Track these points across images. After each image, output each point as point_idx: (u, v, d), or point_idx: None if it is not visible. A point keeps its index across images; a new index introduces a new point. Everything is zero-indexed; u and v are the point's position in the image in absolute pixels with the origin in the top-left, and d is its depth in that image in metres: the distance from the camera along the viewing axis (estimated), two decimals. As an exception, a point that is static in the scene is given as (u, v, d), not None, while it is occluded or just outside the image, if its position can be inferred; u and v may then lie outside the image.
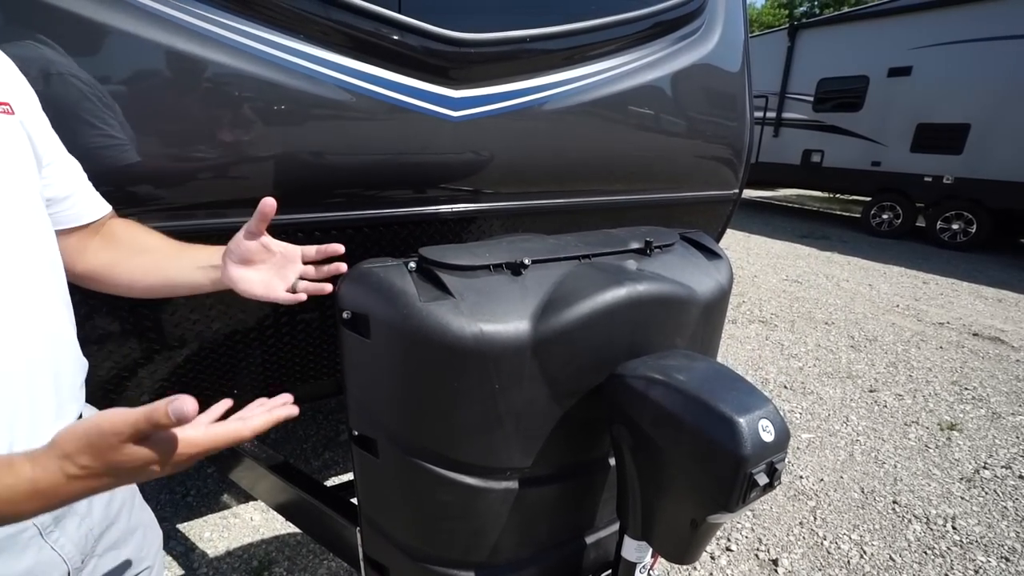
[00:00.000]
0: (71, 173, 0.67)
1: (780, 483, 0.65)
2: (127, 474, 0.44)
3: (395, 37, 1.14)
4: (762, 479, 0.60)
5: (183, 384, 1.23)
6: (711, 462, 0.62)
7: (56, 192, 0.63)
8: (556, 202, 1.55)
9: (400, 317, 0.69)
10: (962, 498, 2.17)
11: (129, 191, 0.92)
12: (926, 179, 6.90)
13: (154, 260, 0.74)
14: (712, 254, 1.04)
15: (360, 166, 1.18)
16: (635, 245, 0.98)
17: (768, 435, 0.61)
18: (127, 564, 0.70)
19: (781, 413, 0.62)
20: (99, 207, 0.71)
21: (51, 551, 0.57)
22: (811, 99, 8.10)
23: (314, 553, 1.83)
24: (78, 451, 0.42)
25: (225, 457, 1.56)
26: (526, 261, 0.81)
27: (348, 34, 1.09)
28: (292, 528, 1.94)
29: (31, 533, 0.55)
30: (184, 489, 2.12)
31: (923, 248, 6.93)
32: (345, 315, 0.76)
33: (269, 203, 0.67)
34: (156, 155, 0.93)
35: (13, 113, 0.55)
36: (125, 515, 0.70)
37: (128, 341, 1.09)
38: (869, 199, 7.88)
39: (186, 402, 0.41)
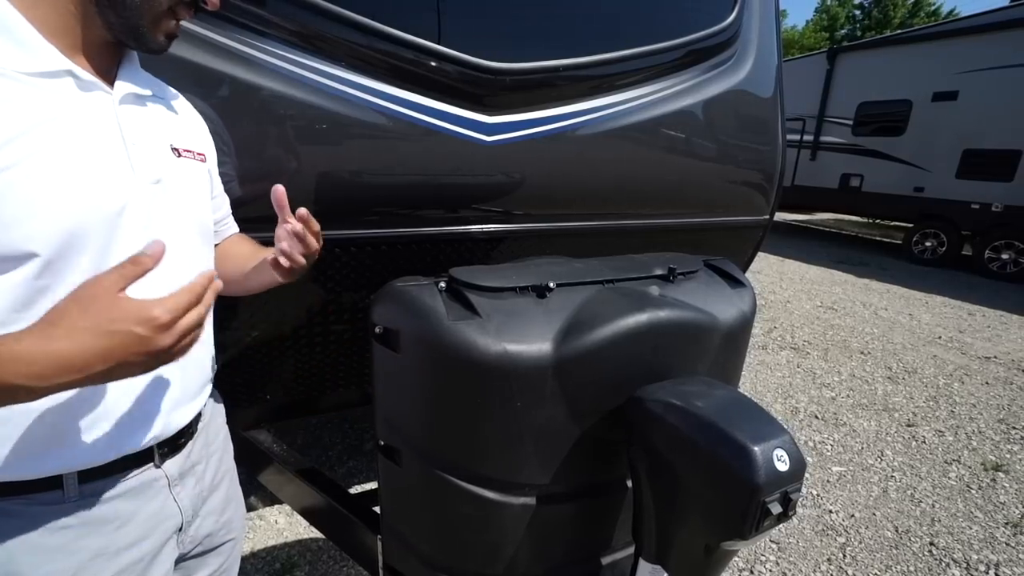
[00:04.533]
0: (225, 201, 0.83)
1: (795, 513, 0.65)
2: (129, 339, 0.44)
3: (433, 65, 1.20)
4: (775, 508, 0.61)
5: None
6: (725, 489, 0.63)
7: (216, 216, 0.78)
8: (585, 224, 1.58)
9: (429, 334, 0.73)
10: (1007, 544, 2.06)
11: None
12: (973, 206, 6.63)
13: (240, 262, 0.80)
14: (736, 282, 1.05)
15: (396, 186, 1.24)
16: (658, 271, 1.00)
17: (783, 465, 0.62)
18: (222, 530, 0.78)
19: (798, 444, 0.62)
20: (234, 225, 0.85)
21: (173, 503, 0.67)
22: (850, 123, 7.93)
23: (334, 559, 1.87)
24: (65, 309, 0.44)
25: (255, 459, 1.62)
26: (551, 284, 0.84)
27: (389, 62, 1.16)
28: (315, 533, 1.99)
29: (163, 483, 0.66)
30: (215, 489, 2.20)
31: (968, 278, 6.63)
32: (377, 330, 0.81)
33: (277, 190, 0.68)
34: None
35: (205, 161, 0.72)
36: (226, 484, 0.80)
37: None
38: (911, 226, 7.61)
39: (156, 242, 0.47)
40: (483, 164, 1.34)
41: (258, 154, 1.04)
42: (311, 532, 1.99)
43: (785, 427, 0.66)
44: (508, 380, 0.73)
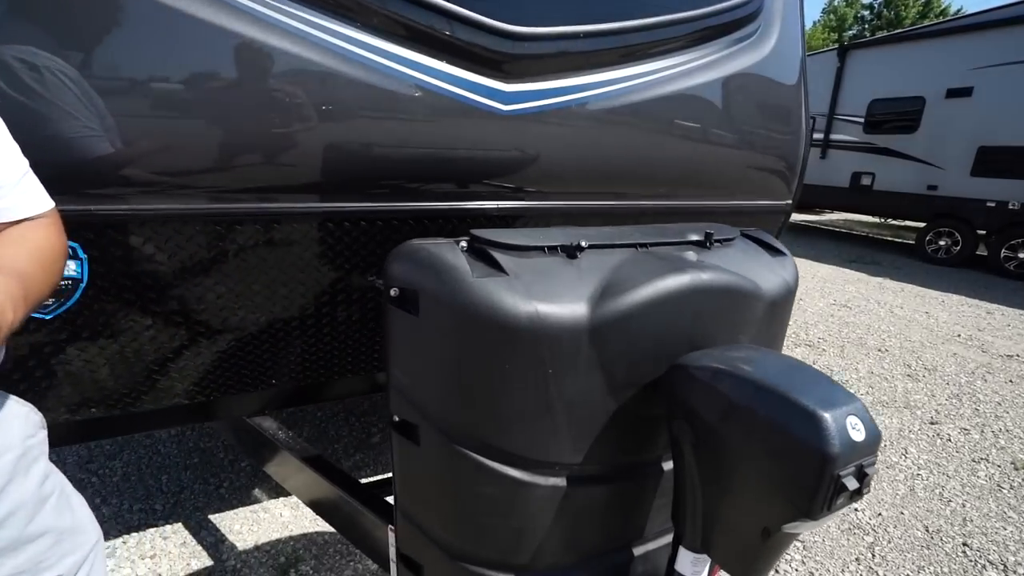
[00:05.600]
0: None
1: (868, 491, 0.57)
2: None
3: (448, 27, 1.14)
4: (851, 483, 0.53)
5: (220, 375, 1.23)
6: (791, 462, 0.56)
7: None
8: (603, 204, 1.51)
9: (451, 293, 0.66)
10: (1043, 545, 1.96)
11: (182, 171, 0.93)
12: (989, 204, 6.51)
13: None
14: (776, 251, 0.98)
15: (406, 156, 1.17)
16: (693, 237, 0.92)
17: (858, 434, 0.55)
18: (18, 572, 0.64)
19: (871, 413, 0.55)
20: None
21: None
22: (861, 120, 7.82)
23: (341, 554, 1.80)
24: None
25: (261, 448, 1.56)
26: (583, 243, 0.77)
27: (400, 22, 1.09)
28: (320, 526, 1.92)
29: None
30: (217, 481, 2.14)
31: (985, 277, 6.50)
32: (392, 292, 0.74)
33: None
34: (208, 138, 0.95)
35: None
36: (17, 523, 0.64)
37: (171, 332, 1.10)
38: (923, 225, 7.49)
39: None
40: (498, 136, 1.27)
41: (254, 119, 0.98)
42: (317, 525, 1.92)
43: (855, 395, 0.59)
44: (539, 344, 0.66)
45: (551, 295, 0.68)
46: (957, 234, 7.04)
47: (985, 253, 6.92)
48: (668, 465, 0.87)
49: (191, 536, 1.84)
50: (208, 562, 1.74)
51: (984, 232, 6.83)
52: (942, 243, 7.25)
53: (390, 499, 1.33)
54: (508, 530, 0.76)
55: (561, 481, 0.76)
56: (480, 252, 0.73)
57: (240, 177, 1.01)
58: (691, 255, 0.87)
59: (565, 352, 0.68)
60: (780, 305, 0.89)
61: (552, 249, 0.76)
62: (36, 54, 0.79)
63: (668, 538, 0.93)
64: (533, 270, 0.71)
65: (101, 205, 0.93)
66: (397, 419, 0.80)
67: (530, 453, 0.72)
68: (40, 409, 0.90)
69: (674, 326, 0.74)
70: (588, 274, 0.74)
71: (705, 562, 0.76)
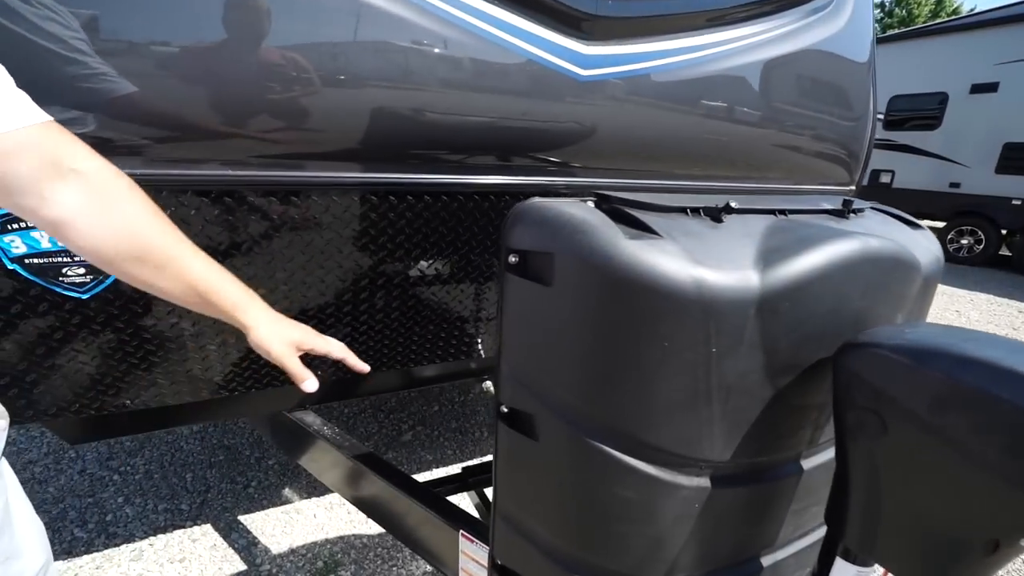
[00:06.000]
0: None
1: None
2: None
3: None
4: None
5: (256, 367, 1.11)
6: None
7: None
8: (666, 184, 1.39)
9: (603, 256, 0.55)
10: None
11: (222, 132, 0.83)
12: (1014, 202, 6.38)
13: None
14: (913, 224, 0.87)
15: (466, 122, 1.05)
16: (827, 205, 0.81)
17: None
18: None
19: None
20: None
21: None
22: (881, 117, 7.70)
23: (382, 558, 1.69)
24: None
25: (298, 444, 1.45)
26: (732, 204, 0.65)
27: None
28: (358, 528, 1.81)
29: None
30: (245, 480, 2.03)
31: (1011, 276, 6.37)
32: (512, 259, 0.63)
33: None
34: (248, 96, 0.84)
35: None
36: None
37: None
38: (945, 223, 7.36)
39: None
40: (574, 103, 1.17)
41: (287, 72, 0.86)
42: (354, 527, 1.81)
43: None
44: (706, 316, 0.55)
45: (715, 260, 0.57)
46: (980, 233, 6.92)
47: (1008, 253, 6.79)
48: (809, 463, 0.76)
49: (221, 538, 1.73)
50: (241, 566, 1.63)
51: (1008, 231, 6.71)
52: (964, 242, 7.13)
53: (452, 499, 1.22)
54: (642, 539, 0.65)
55: (705, 481, 0.65)
56: (617, 213, 0.62)
57: (280, 145, 0.90)
58: (835, 224, 0.76)
59: (732, 327, 0.57)
60: (931, 281, 0.78)
61: (695, 211, 0.65)
62: None
63: (796, 546, 0.82)
64: (684, 232, 0.60)
65: (154, 170, 0.82)
66: (506, 410, 0.69)
67: (679, 448, 0.61)
68: (67, 403, 0.79)
69: (845, 299, 0.63)
70: (741, 239, 0.63)
71: (871, 574, 0.65)
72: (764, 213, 0.72)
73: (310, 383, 0.70)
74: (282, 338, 0.68)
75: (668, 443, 0.60)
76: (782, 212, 0.74)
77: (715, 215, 0.66)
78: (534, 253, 0.60)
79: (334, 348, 0.75)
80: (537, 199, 0.64)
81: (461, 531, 1.03)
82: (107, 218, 0.55)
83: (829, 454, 0.76)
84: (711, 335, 0.56)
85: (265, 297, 0.71)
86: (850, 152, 1.73)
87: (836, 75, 1.63)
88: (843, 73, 1.65)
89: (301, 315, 1.08)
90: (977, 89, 6.58)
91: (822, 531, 0.85)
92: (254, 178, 0.90)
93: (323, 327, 1.12)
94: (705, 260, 0.56)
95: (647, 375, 0.57)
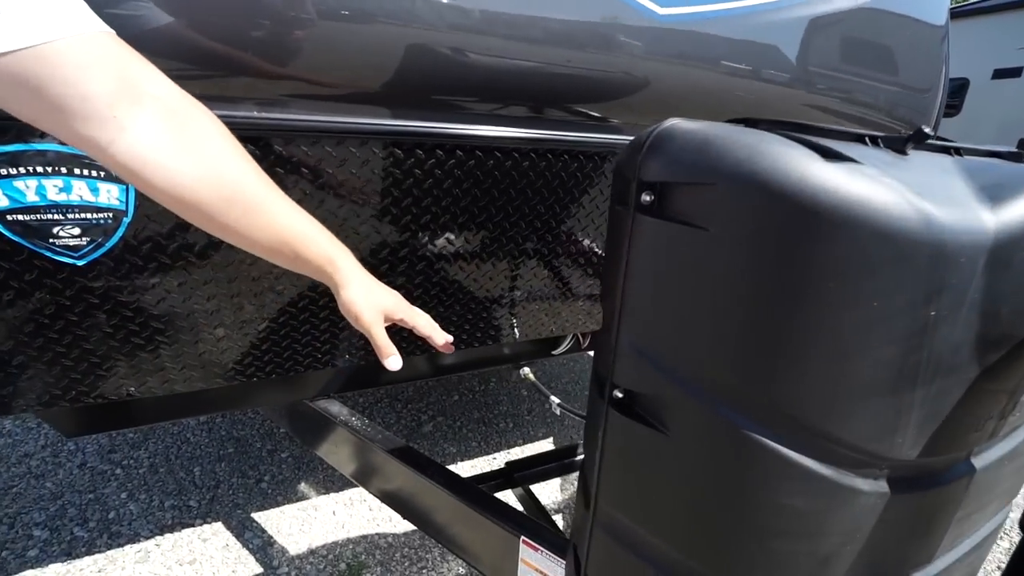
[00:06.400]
0: None
1: None
2: None
3: None
4: None
5: (281, 350, 0.97)
6: None
7: None
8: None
9: (791, 184, 0.40)
10: None
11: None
12: (1034, 191, 6.24)
13: None
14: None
15: (522, 67, 0.90)
16: (992, 148, 0.67)
17: None
18: None
19: None
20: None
21: None
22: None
23: (410, 559, 1.56)
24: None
25: (319, 436, 1.31)
26: (925, 129, 0.51)
27: None
28: (381, 526, 1.67)
29: None
30: (257, 474, 1.89)
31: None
32: (646, 197, 0.48)
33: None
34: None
35: None
36: None
37: (229, 294, 0.85)
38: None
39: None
40: (649, 47, 1.02)
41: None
42: (377, 525, 1.68)
43: None
44: (934, 267, 0.40)
45: (936, 194, 0.42)
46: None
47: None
48: (981, 460, 0.62)
49: (234, 538, 1.60)
50: (257, 568, 1.50)
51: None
52: (980, 232, 7.00)
53: (500, 496, 1.09)
54: (806, 559, 0.51)
55: (883, 486, 0.51)
56: (790, 138, 0.47)
57: (296, 85, 0.75)
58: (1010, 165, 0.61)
59: (959, 283, 0.42)
60: None
61: (873, 139, 0.51)
62: None
63: (947, 560, 0.69)
64: (881, 162, 0.45)
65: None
66: (621, 394, 0.54)
67: (869, 443, 0.47)
68: (62, 391, 0.65)
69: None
70: (941, 175, 0.48)
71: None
72: (940, 151, 0.58)
73: (394, 360, 0.59)
74: (373, 303, 0.59)
75: (857, 437, 0.46)
76: (957, 151, 0.59)
77: (898, 146, 0.51)
78: (685, 187, 0.45)
79: (421, 322, 0.65)
80: (679, 120, 0.49)
81: (523, 538, 0.89)
82: (191, 153, 0.44)
83: (1003, 449, 0.63)
84: (934, 292, 0.41)
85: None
86: (921, 112, 1.58)
87: (910, 38, 1.49)
88: (917, 37, 1.50)
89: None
90: (1000, 74, 6.41)
91: (970, 543, 0.71)
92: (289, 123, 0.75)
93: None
94: (927, 193, 0.42)
95: (844, 346, 0.43)
